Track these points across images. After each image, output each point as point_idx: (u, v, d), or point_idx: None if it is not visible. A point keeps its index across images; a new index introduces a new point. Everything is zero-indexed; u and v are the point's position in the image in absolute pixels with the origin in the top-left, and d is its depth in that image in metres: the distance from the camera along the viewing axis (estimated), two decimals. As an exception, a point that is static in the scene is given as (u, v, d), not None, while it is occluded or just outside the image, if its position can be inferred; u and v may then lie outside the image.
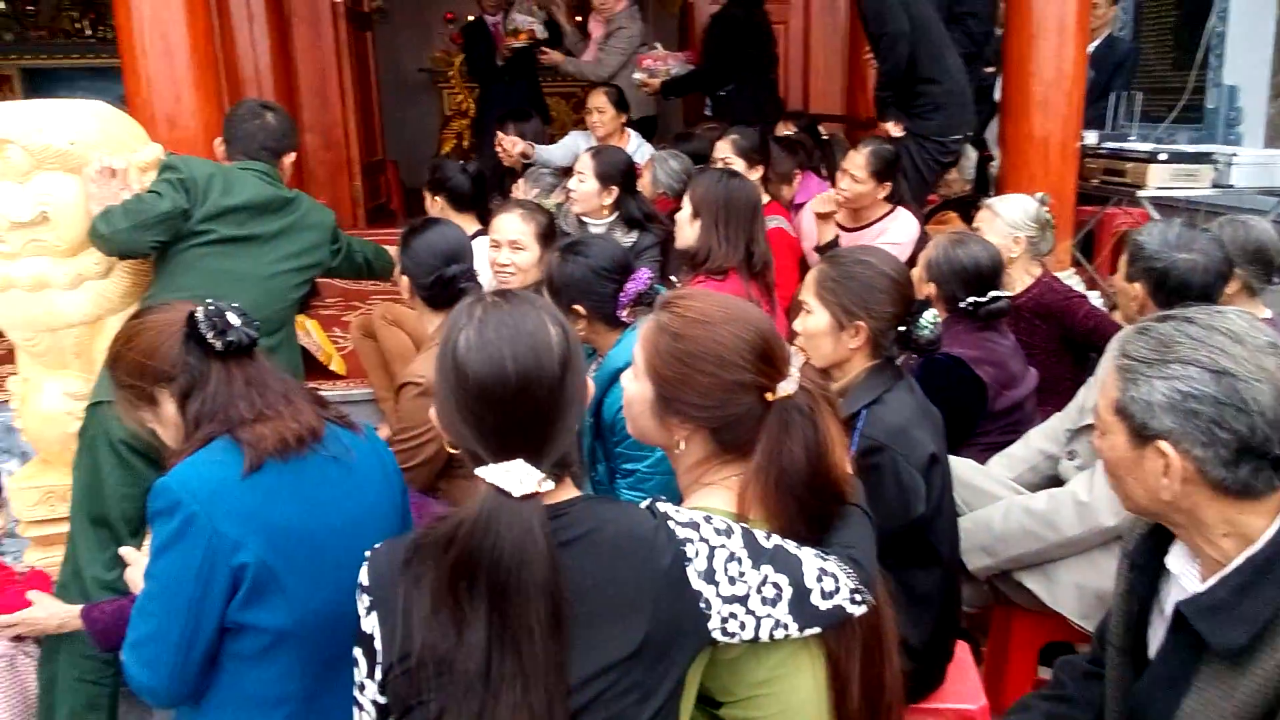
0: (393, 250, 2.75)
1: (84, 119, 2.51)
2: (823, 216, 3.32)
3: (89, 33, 7.67)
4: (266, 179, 2.66)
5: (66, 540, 2.34)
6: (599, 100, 4.38)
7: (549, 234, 2.68)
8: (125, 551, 1.71)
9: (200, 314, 1.58)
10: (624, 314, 2.16)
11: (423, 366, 2.10)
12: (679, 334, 1.32)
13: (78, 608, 1.97)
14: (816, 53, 5.78)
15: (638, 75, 5.08)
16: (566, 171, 3.91)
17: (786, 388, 1.30)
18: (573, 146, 4.40)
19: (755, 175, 3.39)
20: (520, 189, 3.79)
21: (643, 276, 2.18)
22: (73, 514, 2.36)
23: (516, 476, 1.12)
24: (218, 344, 1.57)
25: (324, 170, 5.13)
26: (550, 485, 1.15)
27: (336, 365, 3.64)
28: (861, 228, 3.44)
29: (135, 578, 1.65)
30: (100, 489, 2.29)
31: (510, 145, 4.14)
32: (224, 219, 2.52)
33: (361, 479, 1.63)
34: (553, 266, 2.24)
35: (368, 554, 1.20)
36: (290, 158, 2.79)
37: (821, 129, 4.56)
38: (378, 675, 1.15)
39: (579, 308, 2.18)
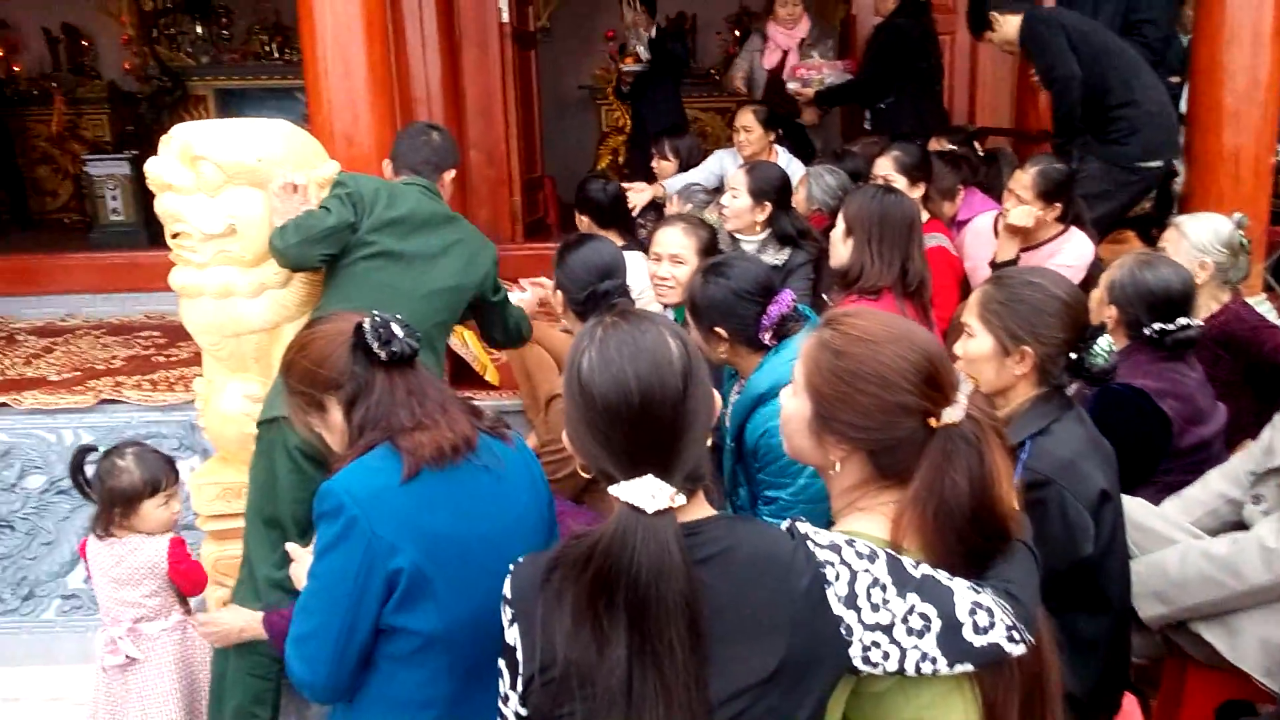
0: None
1: (270, 137, 2.67)
2: (1013, 230, 3.18)
3: (276, 55, 8.22)
4: (428, 194, 2.72)
5: (243, 540, 2.46)
6: (746, 119, 4.35)
7: (710, 249, 2.67)
8: (291, 548, 1.80)
9: (367, 325, 1.65)
10: (766, 337, 2.11)
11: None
12: (841, 351, 1.29)
13: (260, 615, 2.08)
14: (984, 64, 5.57)
15: (791, 85, 5.02)
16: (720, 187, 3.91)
17: (952, 414, 1.25)
18: (716, 167, 4.39)
19: (917, 193, 3.28)
20: (673, 205, 3.81)
21: (785, 299, 2.13)
22: (248, 516, 2.48)
23: (648, 492, 1.12)
24: (382, 354, 1.64)
25: (486, 186, 5.30)
26: (683, 500, 1.15)
27: (491, 376, 3.74)
28: (1031, 248, 3.28)
29: (300, 574, 1.74)
30: (274, 493, 2.40)
31: (638, 196, 4.11)
32: (387, 231, 2.58)
33: (511, 489, 1.67)
34: (694, 288, 2.21)
35: (511, 567, 1.22)
36: (450, 174, 2.85)
37: (977, 145, 4.37)
38: (519, 687, 1.17)
39: (720, 330, 2.14)
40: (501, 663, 1.20)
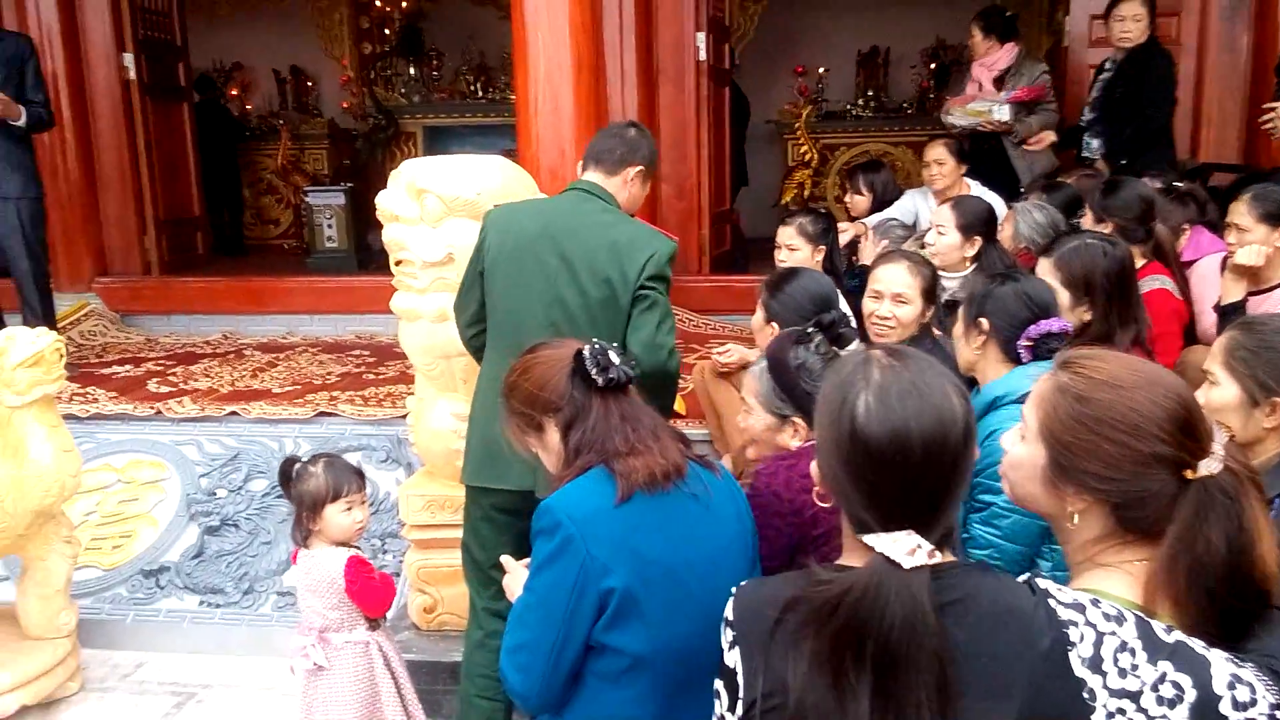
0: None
1: (488, 172, 2.82)
2: (1240, 271, 2.93)
3: (480, 95, 8.67)
4: (582, 191, 2.47)
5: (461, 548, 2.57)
6: (938, 152, 4.23)
7: (932, 289, 2.61)
8: (505, 559, 1.87)
9: (586, 352, 1.72)
10: (1024, 350, 2.10)
11: (740, 420, 2.14)
12: (1084, 396, 1.22)
13: None
14: (1209, 96, 5.24)
15: (949, 118, 4.79)
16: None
17: (1209, 466, 1.17)
18: (910, 206, 4.29)
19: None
20: (869, 241, 3.75)
21: (1060, 320, 2.12)
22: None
23: (907, 548, 1.08)
24: (599, 380, 1.69)
25: (675, 218, 5.39)
26: (939, 558, 1.11)
27: (677, 404, 3.78)
28: (1263, 291, 3.03)
29: (512, 586, 1.81)
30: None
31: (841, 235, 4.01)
32: (497, 255, 2.39)
33: (718, 517, 1.69)
34: (978, 282, 2.23)
35: (734, 590, 1.22)
36: (634, 170, 2.50)
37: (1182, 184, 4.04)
38: (739, 710, 1.16)
39: (984, 321, 2.15)
40: (719, 684, 1.20)
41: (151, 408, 4.10)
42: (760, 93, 8.02)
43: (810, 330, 2.07)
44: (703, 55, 5.44)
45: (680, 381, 3.82)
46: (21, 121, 4.54)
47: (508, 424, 1.82)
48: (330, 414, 4.02)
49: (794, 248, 3.38)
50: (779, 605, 1.13)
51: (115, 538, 3.58)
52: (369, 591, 2.41)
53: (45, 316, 4.67)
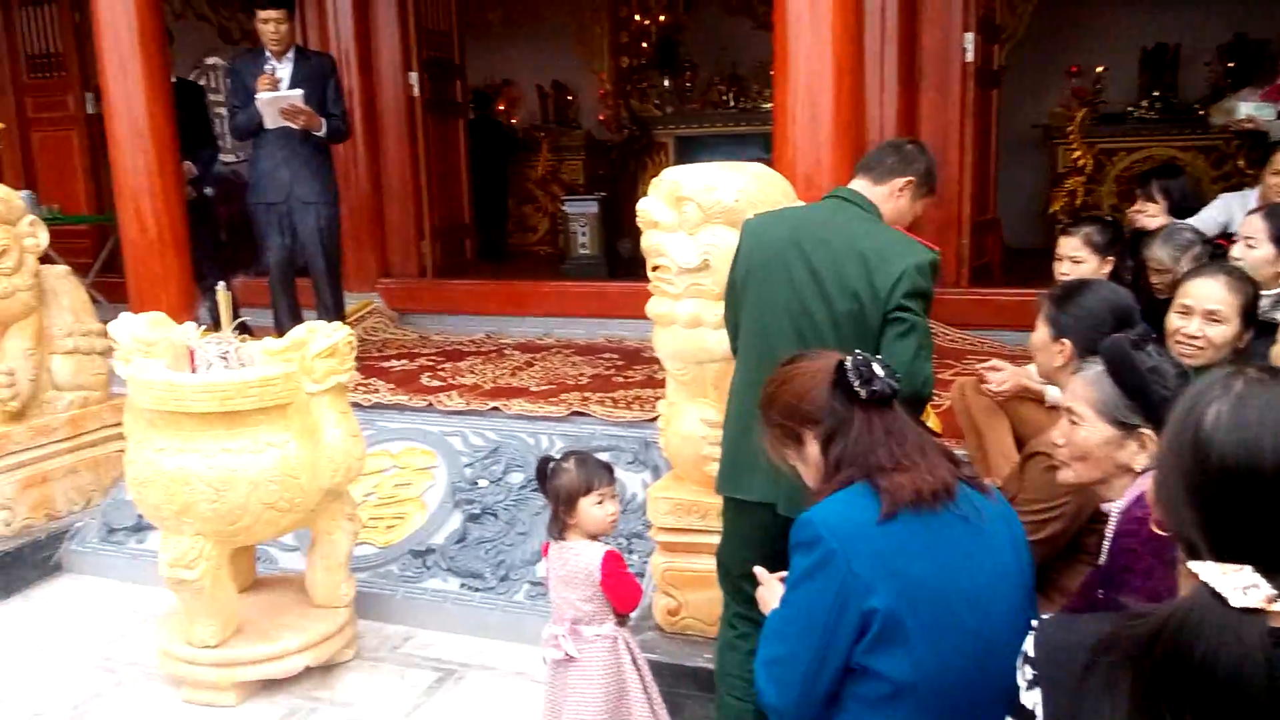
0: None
1: (747, 179, 2.82)
2: None
3: (731, 104, 8.74)
4: (840, 199, 2.40)
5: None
6: None
7: (1252, 308, 2.36)
8: (758, 570, 1.86)
9: (849, 363, 1.67)
10: None
11: (1057, 437, 1.97)
12: None
13: None
14: None
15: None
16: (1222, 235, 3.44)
17: None
18: (1221, 213, 3.87)
19: None
20: (1158, 250, 3.42)
21: None
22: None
23: (1240, 585, 0.95)
24: (862, 392, 1.64)
25: (932, 227, 5.17)
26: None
27: (933, 422, 3.62)
28: None
29: (766, 598, 1.79)
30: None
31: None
32: (749, 271, 2.38)
33: (990, 543, 1.59)
34: None
35: (1035, 625, 1.13)
36: (901, 182, 2.45)
37: None
38: None
39: None
40: None
41: (424, 400, 4.41)
42: (1027, 95, 7.58)
43: (1140, 336, 1.90)
44: (969, 57, 5.20)
45: (937, 397, 3.68)
46: (322, 132, 5.03)
47: (765, 436, 1.81)
48: (582, 414, 4.17)
49: (1078, 259, 3.15)
50: (1092, 646, 1.03)
51: (390, 518, 3.88)
52: (623, 585, 2.46)
53: (337, 312, 5.15)
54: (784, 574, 1.70)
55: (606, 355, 5.39)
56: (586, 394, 4.44)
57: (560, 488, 2.49)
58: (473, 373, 5.01)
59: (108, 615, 3.78)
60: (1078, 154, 6.87)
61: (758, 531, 2.35)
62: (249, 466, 2.96)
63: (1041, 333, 2.40)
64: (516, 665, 3.31)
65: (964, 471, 1.66)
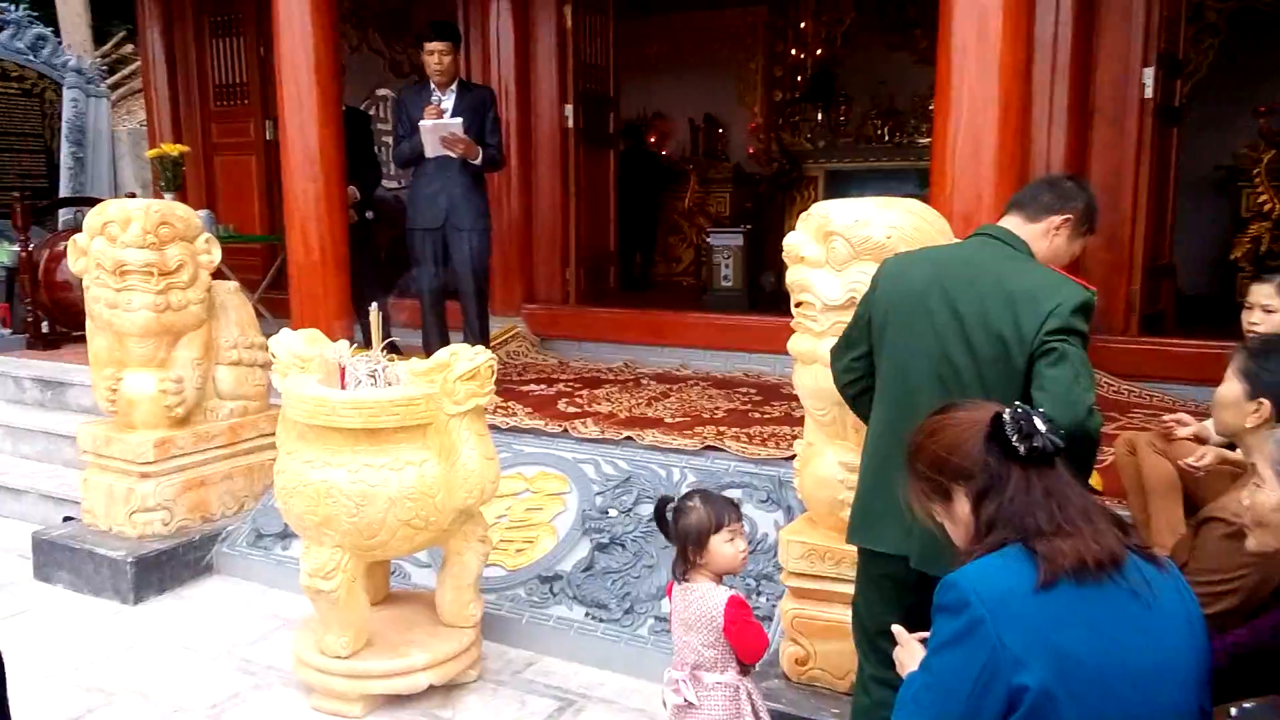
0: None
1: (900, 215, 2.71)
2: None
3: (886, 139, 8.55)
4: (987, 236, 2.26)
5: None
6: None
7: None
8: (896, 629, 1.74)
9: (1007, 416, 1.55)
10: None
11: (1237, 505, 1.78)
12: None
13: None
14: None
15: None
16: None
17: None
18: None
19: None
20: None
21: None
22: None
23: None
24: (1021, 448, 1.52)
25: (1100, 270, 4.88)
26: None
27: (1094, 480, 3.37)
28: None
29: (903, 660, 1.67)
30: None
31: None
32: (888, 315, 2.25)
33: (1162, 621, 1.44)
34: None
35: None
36: (1057, 220, 2.29)
37: None
38: None
39: None
40: None
41: (560, 426, 4.44)
42: (1210, 134, 7.10)
43: None
44: (1149, 93, 4.90)
45: (1101, 453, 3.44)
46: (478, 161, 5.17)
47: (909, 487, 1.70)
48: (716, 448, 4.09)
49: (1271, 308, 2.91)
50: None
51: (520, 542, 3.90)
52: (747, 634, 2.37)
53: (482, 336, 5.27)
54: (925, 635, 1.59)
55: (743, 390, 5.31)
56: (721, 428, 4.37)
57: (690, 526, 2.43)
58: (609, 400, 5.01)
59: (251, 618, 3.93)
60: (1264, 198, 6.37)
61: (891, 584, 2.23)
62: (388, 483, 3.02)
63: (1233, 388, 2.18)
64: (637, 701, 3.25)
65: (1133, 540, 1.51)
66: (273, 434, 3.52)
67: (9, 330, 7.15)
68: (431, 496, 3.08)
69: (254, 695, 3.32)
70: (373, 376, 3.17)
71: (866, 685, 2.32)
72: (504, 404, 4.82)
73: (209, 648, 3.66)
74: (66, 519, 4.59)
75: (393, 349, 3.32)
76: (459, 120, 5.07)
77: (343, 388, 3.15)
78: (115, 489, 4.26)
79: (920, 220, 2.73)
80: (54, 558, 4.25)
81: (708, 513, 2.42)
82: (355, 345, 3.36)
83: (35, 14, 9.91)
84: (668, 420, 4.57)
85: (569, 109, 6.63)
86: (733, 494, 3.46)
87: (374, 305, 3.34)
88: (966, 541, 1.58)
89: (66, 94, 9.33)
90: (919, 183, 6.68)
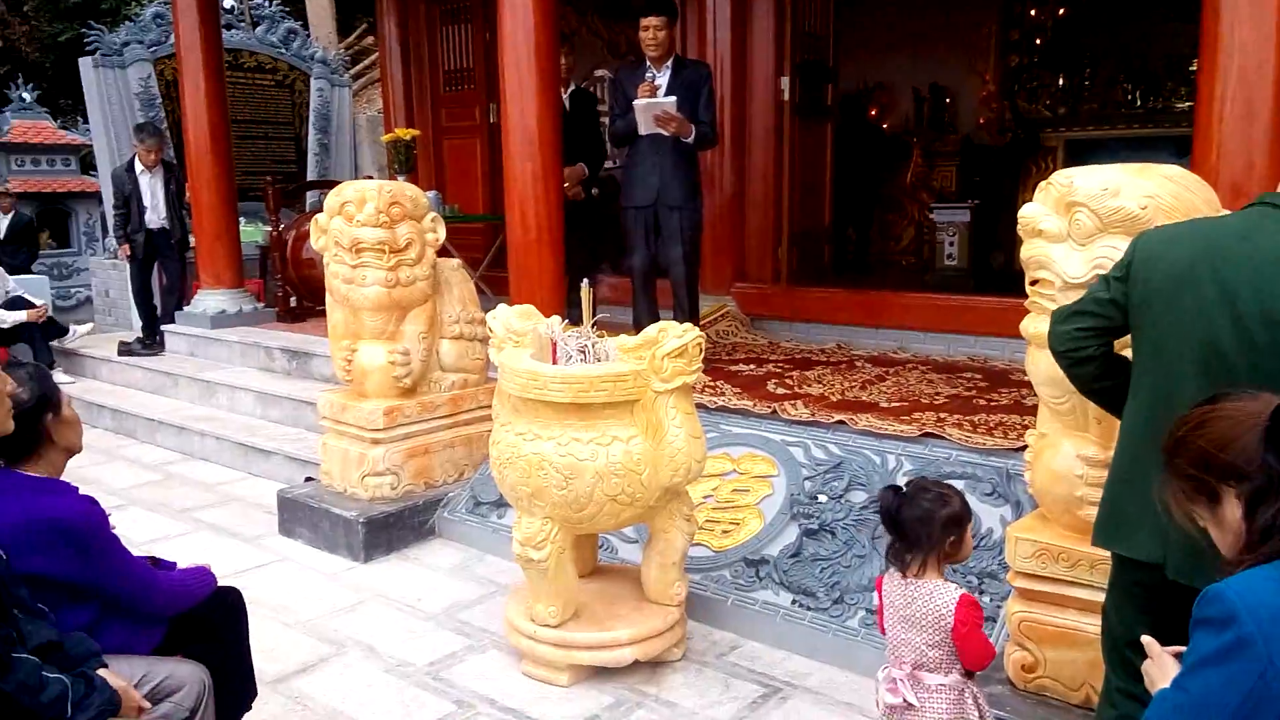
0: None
1: (1157, 184, 2.42)
2: None
3: (1137, 104, 7.82)
4: (1268, 205, 1.96)
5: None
6: None
7: None
8: (1146, 640, 1.55)
9: (1291, 410, 1.33)
10: None
11: None
12: None
13: None
14: None
15: None
16: None
17: None
18: None
19: None
20: None
21: None
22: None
23: None
24: (1313, 447, 1.30)
25: None
26: None
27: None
28: None
29: (1153, 675, 1.49)
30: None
31: None
32: (1146, 298, 1.99)
33: None
34: None
35: None
36: None
37: None
38: None
39: None
40: None
41: (768, 407, 4.34)
42: None
43: None
44: None
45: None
46: (690, 139, 5.13)
47: (1168, 487, 1.49)
48: (936, 436, 3.87)
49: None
50: None
51: (726, 523, 3.84)
52: (975, 640, 2.21)
53: (691, 314, 5.24)
54: (1179, 649, 1.41)
55: (967, 375, 5.00)
56: (942, 415, 4.13)
57: (947, 514, 2.27)
58: (820, 383, 4.86)
59: (468, 582, 4.10)
60: None
61: (1143, 592, 2.00)
62: (596, 457, 3.04)
63: None
64: (846, 695, 3.13)
65: None
66: (490, 406, 3.63)
67: (262, 304, 7.83)
68: (638, 473, 3.07)
69: (469, 656, 3.45)
70: (583, 352, 3.20)
71: (1112, 697, 2.10)
72: (712, 383, 4.78)
73: (429, 607, 3.85)
74: (307, 479, 4.97)
75: (603, 326, 3.33)
76: (672, 99, 5.05)
77: (554, 363, 3.19)
78: (350, 453, 4.55)
79: (1181, 188, 2.42)
80: (295, 515, 4.60)
81: (963, 501, 2.30)
82: (567, 321, 3.40)
83: (286, 9, 10.77)
84: (883, 405, 4.37)
85: (785, 81, 6.45)
86: (955, 485, 3.26)
87: (585, 282, 3.36)
88: (1236, 550, 1.38)
89: (313, 84, 10.10)
90: (1175, 151, 6.06)
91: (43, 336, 7.59)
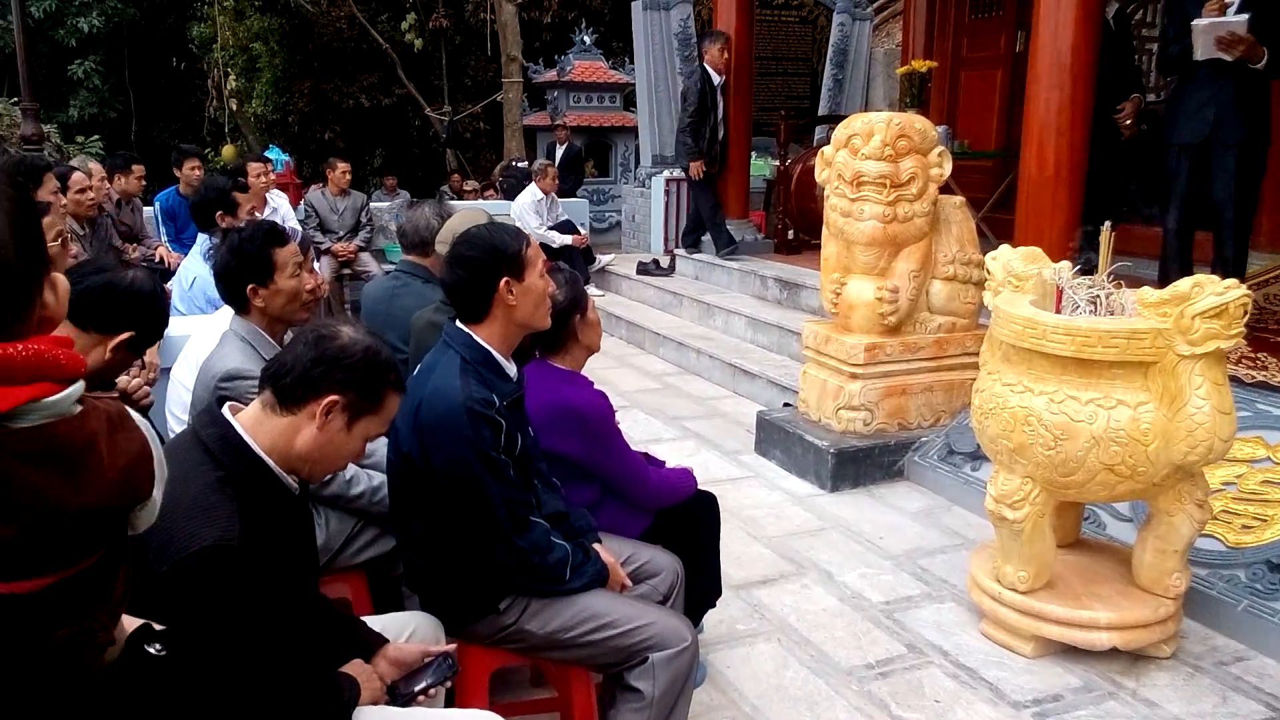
0: None
1: None
2: None
3: None
4: None
5: None
6: None
7: None
8: None
9: None
10: None
11: None
12: None
13: None
14: None
15: None
16: None
17: None
18: None
19: None
20: None
21: None
22: None
23: None
24: None
25: None
26: None
27: None
28: None
29: None
30: None
31: None
32: None
33: None
34: None
35: None
36: None
37: None
38: None
39: None
40: None
41: (1327, 391, 3.59)
42: None
43: None
44: None
45: None
46: (1261, 65, 4.31)
47: None
48: None
49: None
50: None
51: (1248, 517, 3.28)
52: None
53: (1236, 270, 4.47)
54: None
55: None
56: None
57: None
58: None
59: (932, 529, 3.98)
60: None
61: None
62: (1094, 420, 2.74)
63: None
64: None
65: None
66: (976, 353, 3.44)
67: (762, 235, 8.17)
68: (1143, 444, 2.72)
69: (925, 603, 3.36)
70: (1093, 303, 2.89)
71: None
72: (1253, 355, 4.06)
73: (890, 547, 3.81)
74: (785, 405, 5.14)
75: (1119, 277, 2.96)
76: (1243, 18, 4.27)
77: (1058, 311, 2.92)
78: (828, 385, 4.61)
79: None
80: (771, 436, 4.80)
81: None
82: (1078, 268, 3.08)
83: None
84: None
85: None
86: None
87: (1106, 225, 3.01)
88: None
89: (835, 19, 10.17)
90: None
91: (581, 259, 8.69)
